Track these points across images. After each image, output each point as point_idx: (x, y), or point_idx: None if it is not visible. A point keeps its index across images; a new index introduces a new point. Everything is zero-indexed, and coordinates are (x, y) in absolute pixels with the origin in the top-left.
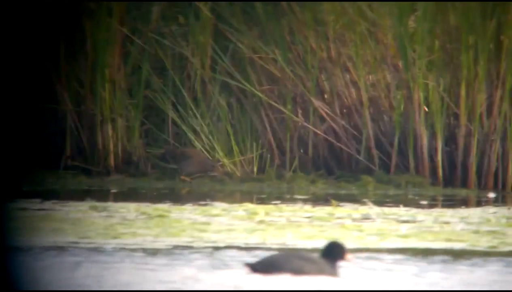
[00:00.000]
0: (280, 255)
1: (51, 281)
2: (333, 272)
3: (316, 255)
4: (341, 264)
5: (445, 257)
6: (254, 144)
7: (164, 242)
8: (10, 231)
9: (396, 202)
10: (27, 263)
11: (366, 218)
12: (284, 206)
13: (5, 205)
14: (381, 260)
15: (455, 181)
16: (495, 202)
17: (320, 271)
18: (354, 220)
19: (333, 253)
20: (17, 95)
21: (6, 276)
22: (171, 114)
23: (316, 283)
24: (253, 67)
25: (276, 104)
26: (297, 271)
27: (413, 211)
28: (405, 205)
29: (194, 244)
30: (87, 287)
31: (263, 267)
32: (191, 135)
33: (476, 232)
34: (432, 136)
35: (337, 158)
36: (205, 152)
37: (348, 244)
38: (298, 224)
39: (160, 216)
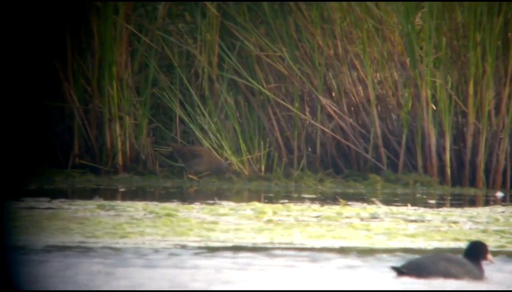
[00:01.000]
0: (427, 258)
1: (52, 280)
2: (480, 275)
3: (461, 257)
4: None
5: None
6: (262, 142)
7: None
8: (12, 230)
9: (404, 201)
10: (30, 263)
11: (374, 217)
12: (292, 205)
13: (9, 204)
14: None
15: (463, 180)
16: (503, 201)
17: (467, 274)
18: (362, 219)
19: (476, 253)
20: (25, 94)
21: (6, 276)
22: (179, 112)
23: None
24: (260, 65)
25: (283, 102)
26: (445, 273)
27: (421, 210)
28: (413, 204)
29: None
30: (92, 287)
31: (410, 270)
32: (198, 134)
33: (484, 231)
34: (440, 134)
35: (345, 156)
36: (213, 151)
37: (355, 243)
38: (306, 223)
39: (168, 215)
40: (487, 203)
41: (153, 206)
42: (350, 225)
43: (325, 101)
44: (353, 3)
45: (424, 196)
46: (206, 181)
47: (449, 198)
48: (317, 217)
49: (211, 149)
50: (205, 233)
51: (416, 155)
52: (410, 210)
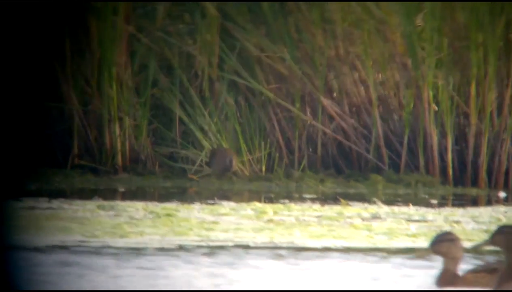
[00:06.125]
0: None
1: (52, 280)
2: None
3: None
4: None
5: None
6: (262, 143)
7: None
8: (12, 229)
9: (406, 201)
10: (29, 263)
11: (375, 217)
12: (292, 205)
13: (9, 203)
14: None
15: (465, 180)
16: (506, 201)
17: None
18: (363, 219)
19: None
20: (24, 94)
21: (6, 276)
22: (179, 113)
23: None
24: (260, 65)
25: (284, 103)
26: None
27: (423, 210)
28: (415, 204)
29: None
30: (92, 287)
31: None
32: (199, 134)
33: (487, 231)
34: (442, 135)
35: (346, 156)
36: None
37: (357, 243)
38: (307, 223)
39: (168, 215)
40: (489, 203)
41: (153, 206)
42: (351, 225)
43: (326, 102)
44: (353, 3)
45: (426, 196)
46: (206, 181)
47: (451, 198)
48: (318, 217)
49: (225, 147)
50: (205, 232)
51: (418, 155)
52: (411, 210)
